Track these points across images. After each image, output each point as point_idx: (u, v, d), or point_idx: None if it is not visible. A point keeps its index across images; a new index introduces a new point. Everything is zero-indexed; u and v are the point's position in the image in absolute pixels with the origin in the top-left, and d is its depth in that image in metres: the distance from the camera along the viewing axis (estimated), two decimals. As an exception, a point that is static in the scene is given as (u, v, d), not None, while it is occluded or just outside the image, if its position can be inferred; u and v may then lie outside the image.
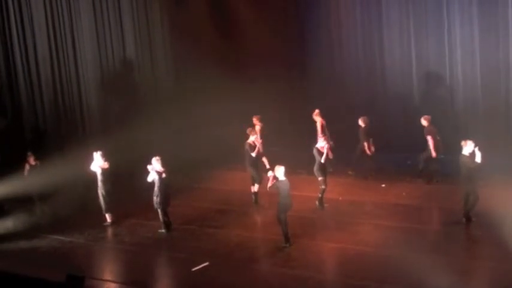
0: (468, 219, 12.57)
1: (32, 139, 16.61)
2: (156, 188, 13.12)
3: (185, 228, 13.63)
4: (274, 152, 15.65)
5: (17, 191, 14.30)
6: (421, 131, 15.27)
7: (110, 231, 13.95)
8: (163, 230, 13.40)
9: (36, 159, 14.74)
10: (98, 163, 13.86)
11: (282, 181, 12.01)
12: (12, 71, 16.37)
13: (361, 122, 15.65)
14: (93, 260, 12.68)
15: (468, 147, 12.36)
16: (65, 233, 13.80)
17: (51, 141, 16.67)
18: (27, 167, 14.64)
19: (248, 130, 14.90)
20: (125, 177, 15.74)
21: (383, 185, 15.33)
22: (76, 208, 14.94)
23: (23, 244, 13.34)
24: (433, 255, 11.15)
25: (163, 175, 13.08)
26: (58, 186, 14.87)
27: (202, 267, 11.58)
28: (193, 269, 11.51)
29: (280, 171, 12.02)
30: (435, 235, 12.43)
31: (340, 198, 14.76)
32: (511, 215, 11.98)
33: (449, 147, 15.73)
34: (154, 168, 13.07)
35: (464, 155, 12.43)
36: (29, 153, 14.69)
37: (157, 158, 13.28)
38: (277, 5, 19.52)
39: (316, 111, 16.08)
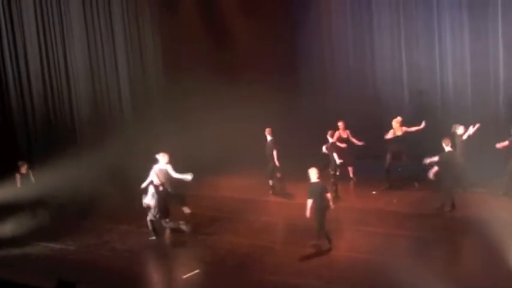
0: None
1: (24, 150, 16.50)
2: (154, 200, 12.98)
3: (176, 235, 13.55)
4: (264, 159, 15.72)
5: (8, 200, 14.30)
6: (412, 137, 15.36)
7: (101, 238, 13.92)
8: (153, 237, 13.36)
9: (28, 167, 14.73)
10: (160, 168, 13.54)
11: (314, 183, 11.94)
12: (3, 84, 16.25)
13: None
14: (84, 267, 12.58)
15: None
16: (56, 240, 13.74)
17: (42, 153, 16.54)
18: (17, 176, 14.60)
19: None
20: (117, 184, 15.83)
21: (374, 192, 15.36)
22: (67, 215, 14.93)
23: (14, 251, 13.26)
24: (424, 261, 11.19)
25: (160, 188, 13.00)
26: (49, 195, 14.85)
27: (193, 275, 11.55)
28: (184, 276, 11.48)
29: (312, 174, 12.03)
30: (425, 242, 12.36)
31: (332, 205, 14.38)
32: (500, 221, 12.14)
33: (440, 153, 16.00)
34: (153, 181, 13.03)
35: (446, 152, 12.93)
36: (20, 163, 14.66)
37: (163, 153, 13.36)
38: (268, 10, 19.60)
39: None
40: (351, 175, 16.26)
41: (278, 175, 15.89)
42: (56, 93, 17.03)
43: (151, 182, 13.15)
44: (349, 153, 15.72)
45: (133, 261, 12.55)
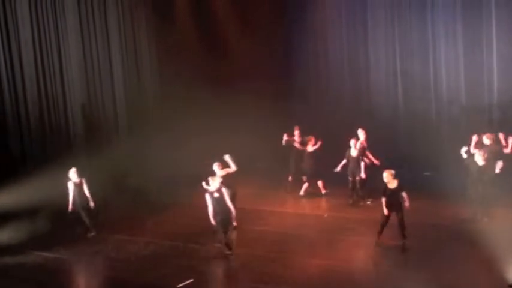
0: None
1: (17, 156, 16.51)
2: (211, 208, 12.50)
3: (170, 244, 13.60)
4: (259, 168, 15.96)
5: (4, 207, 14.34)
6: (408, 146, 15.58)
7: (95, 246, 13.85)
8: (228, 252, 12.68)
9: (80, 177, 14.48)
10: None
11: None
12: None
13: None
14: (77, 276, 12.65)
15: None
16: (50, 249, 13.69)
17: (36, 159, 16.54)
18: (71, 185, 14.32)
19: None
20: (110, 193, 15.96)
21: (368, 202, 15.29)
22: (61, 224, 14.88)
23: (7, 260, 13.24)
24: (418, 272, 11.21)
25: (215, 194, 12.43)
26: (43, 203, 14.80)
27: (187, 284, 11.52)
28: (178, 286, 11.46)
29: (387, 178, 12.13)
30: (420, 252, 12.29)
31: (326, 215, 14.83)
32: (498, 232, 12.22)
33: (434, 164, 16.29)
34: (207, 188, 12.80)
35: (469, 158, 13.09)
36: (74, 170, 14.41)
37: (218, 163, 13.39)
38: (264, 20, 19.63)
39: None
40: (322, 190, 16.10)
41: (290, 178, 16.29)
42: (50, 99, 17.00)
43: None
44: (316, 165, 15.85)
45: (127, 270, 12.53)
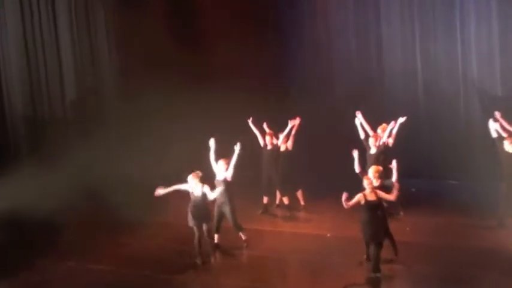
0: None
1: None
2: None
3: (136, 274, 13.48)
4: (247, 177, 15.88)
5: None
6: (428, 150, 15.55)
7: (40, 276, 13.71)
8: None
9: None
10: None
11: None
12: None
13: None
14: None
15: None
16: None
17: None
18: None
19: None
20: (60, 208, 16.04)
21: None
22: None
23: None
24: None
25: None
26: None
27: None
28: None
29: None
30: (443, 281, 12.29)
31: (329, 234, 14.82)
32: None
33: (462, 170, 16.52)
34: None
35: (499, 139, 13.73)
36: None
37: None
38: (250, 4, 19.67)
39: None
40: (302, 202, 16.45)
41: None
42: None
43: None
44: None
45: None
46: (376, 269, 12.14)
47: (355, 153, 13.01)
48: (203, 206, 13.49)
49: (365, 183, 12.16)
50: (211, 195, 13.36)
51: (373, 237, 12.16)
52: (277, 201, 16.78)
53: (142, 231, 15.77)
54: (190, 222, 13.57)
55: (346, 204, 11.87)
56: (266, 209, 16.51)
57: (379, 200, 12.16)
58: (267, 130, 16.37)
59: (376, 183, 12.46)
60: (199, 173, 13.52)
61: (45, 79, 18.37)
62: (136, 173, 17.36)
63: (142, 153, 18.15)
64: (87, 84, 19.04)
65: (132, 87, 19.36)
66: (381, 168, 13.00)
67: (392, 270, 12.61)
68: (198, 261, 13.45)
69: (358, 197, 12.04)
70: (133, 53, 19.47)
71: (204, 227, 13.57)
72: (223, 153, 14.28)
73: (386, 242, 12.56)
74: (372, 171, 12.74)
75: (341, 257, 13.37)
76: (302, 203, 16.56)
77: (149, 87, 18.77)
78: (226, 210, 13.97)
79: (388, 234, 12.63)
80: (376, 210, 12.10)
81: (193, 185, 13.37)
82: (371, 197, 12.09)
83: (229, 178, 13.90)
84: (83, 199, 17.02)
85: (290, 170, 16.22)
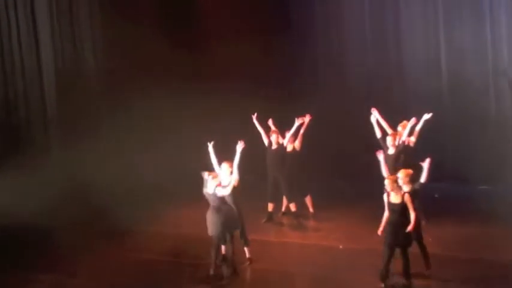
0: None
1: None
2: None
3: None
4: (248, 181, 15.14)
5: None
6: (454, 150, 16.24)
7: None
8: None
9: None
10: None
11: None
12: None
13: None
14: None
15: None
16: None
17: None
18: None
19: None
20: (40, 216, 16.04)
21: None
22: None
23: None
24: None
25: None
26: None
27: None
28: None
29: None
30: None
31: (341, 246, 14.46)
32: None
33: (495, 173, 16.69)
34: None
35: None
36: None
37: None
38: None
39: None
40: (311, 209, 16.38)
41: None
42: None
43: None
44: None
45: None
46: (407, 275, 12.10)
47: (381, 156, 12.94)
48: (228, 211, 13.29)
49: (386, 183, 12.05)
50: (223, 192, 13.10)
51: (393, 241, 12.00)
52: (283, 208, 16.42)
53: (128, 242, 15.45)
54: (215, 230, 13.24)
55: None
56: (271, 217, 16.13)
57: (403, 203, 11.94)
58: (272, 128, 16.08)
59: (406, 188, 12.18)
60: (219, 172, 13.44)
61: (21, 78, 18.47)
62: (123, 177, 17.26)
63: (130, 156, 17.97)
64: (68, 83, 18.92)
65: (119, 88, 19.14)
66: (411, 171, 12.54)
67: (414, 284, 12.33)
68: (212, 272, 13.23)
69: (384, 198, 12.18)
70: (121, 51, 19.29)
71: (228, 237, 13.27)
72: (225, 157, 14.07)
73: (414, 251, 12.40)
74: (402, 175, 12.31)
75: (355, 272, 13.01)
76: (311, 210, 16.32)
77: (137, 87, 18.71)
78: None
79: (420, 243, 12.49)
80: (397, 214, 11.92)
81: (212, 186, 13.03)
82: (395, 199, 11.97)
83: (235, 182, 13.43)
84: (65, 205, 16.82)
85: (298, 173, 15.91)
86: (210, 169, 13.35)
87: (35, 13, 18.29)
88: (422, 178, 12.35)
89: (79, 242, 15.23)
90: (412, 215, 11.85)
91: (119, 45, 19.30)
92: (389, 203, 11.98)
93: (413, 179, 12.48)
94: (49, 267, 14.18)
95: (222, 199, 13.08)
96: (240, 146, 13.42)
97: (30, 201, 16.13)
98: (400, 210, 11.86)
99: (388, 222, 12.00)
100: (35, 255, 14.72)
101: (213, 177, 12.98)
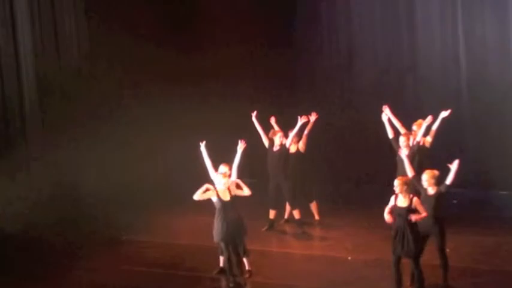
0: None
1: None
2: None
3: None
4: (248, 185, 14.49)
5: None
6: (473, 152, 16.17)
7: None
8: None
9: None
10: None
11: None
12: None
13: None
14: None
15: None
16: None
17: None
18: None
19: None
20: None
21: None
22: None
23: None
24: None
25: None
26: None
27: None
28: None
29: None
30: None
31: (350, 257, 14.20)
32: None
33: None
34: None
35: None
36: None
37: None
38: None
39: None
40: (316, 216, 16.19)
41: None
42: None
43: None
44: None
45: None
46: None
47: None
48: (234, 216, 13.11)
49: (396, 184, 11.76)
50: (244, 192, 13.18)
51: (399, 250, 11.72)
52: (286, 215, 16.17)
53: (118, 253, 15.22)
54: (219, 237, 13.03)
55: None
56: (272, 224, 15.88)
57: (410, 208, 11.65)
58: (275, 127, 15.86)
59: (432, 191, 12.05)
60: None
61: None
62: (108, 183, 17.25)
63: (114, 162, 17.82)
64: (49, 78, 18.73)
65: (104, 83, 19.04)
66: (437, 172, 12.27)
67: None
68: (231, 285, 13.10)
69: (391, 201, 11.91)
70: (107, 40, 19.04)
71: (231, 246, 13.09)
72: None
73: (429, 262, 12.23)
74: (427, 176, 12.12)
75: (365, 286, 12.89)
76: (317, 217, 16.10)
77: (119, 91, 18.97)
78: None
79: (441, 250, 12.22)
80: (403, 219, 11.61)
81: (222, 187, 12.92)
82: (402, 203, 11.68)
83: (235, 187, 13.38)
84: (43, 211, 16.77)
85: (302, 177, 15.72)
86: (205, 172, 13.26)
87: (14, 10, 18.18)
88: (449, 180, 12.08)
89: (64, 252, 15.13)
90: (423, 214, 11.61)
91: (104, 47, 19.24)
92: (395, 207, 11.73)
93: (439, 181, 12.28)
94: (33, 278, 13.94)
95: (229, 204, 12.89)
96: (241, 146, 13.30)
97: (9, 208, 16.17)
98: (406, 215, 11.59)
99: (394, 229, 11.75)
100: (18, 265, 14.55)
101: (223, 176, 12.84)
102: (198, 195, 12.69)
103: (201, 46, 19.67)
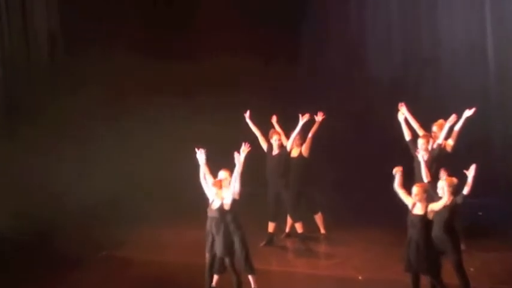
0: None
1: None
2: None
3: None
4: (244, 194, 13.89)
5: None
6: (502, 157, 16.34)
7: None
8: None
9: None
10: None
11: None
12: None
13: None
14: None
15: None
16: None
17: None
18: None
19: None
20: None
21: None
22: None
23: None
24: None
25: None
26: None
27: None
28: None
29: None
30: None
31: (360, 277, 13.67)
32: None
33: None
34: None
35: None
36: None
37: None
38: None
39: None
40: (322, 229, 15.74)
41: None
42: None
43: None
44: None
45: None
46: None
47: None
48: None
49: (414, 191, 11.35)
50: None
51: (415, 265, 11.37)
52: (287, 229, 15.70)
53: (100, 270, 14.64)
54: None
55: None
56: (272, 239, 15.39)
57: (425, 217, 11.31)
58: (277, 127, 15.27)
59: (448, 201, 11.62)
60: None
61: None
62: (77, 190, 17.06)
63: (93, 168, 17.91)
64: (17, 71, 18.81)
65: (79, 77, 18.71)
66: (455, 180, 11.94)
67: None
68: None
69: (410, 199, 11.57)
70: (85, 28, 18.83)
71: (227, 262, 12.74)
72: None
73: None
74: (445, 183, 11.75)
75: None
76: (322, 231, 15.65)
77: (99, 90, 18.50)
78: (235, 241, 12.88)
79: (458, 268, 11.79)
80: (417, 230, 11.30)
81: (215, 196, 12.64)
82: (417, 211, 11.34)
83: (236, 195, 12.66)
84: (6, 224, 16.56)
85: (305, 185, 15.25)
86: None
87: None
88: (465, 190, 11.69)
89: (34, 271, 14.51)
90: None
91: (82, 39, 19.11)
92: (410, 215, 11.42)
93: (456, 190, 11.89)
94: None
95: (225, 213, 12.52)
96: (244, 150, 12.79)
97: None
98: (420, 225, 11.24)
99: (408, 241, 11.43)
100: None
101: (216, 185, 12.51)
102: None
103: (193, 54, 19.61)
